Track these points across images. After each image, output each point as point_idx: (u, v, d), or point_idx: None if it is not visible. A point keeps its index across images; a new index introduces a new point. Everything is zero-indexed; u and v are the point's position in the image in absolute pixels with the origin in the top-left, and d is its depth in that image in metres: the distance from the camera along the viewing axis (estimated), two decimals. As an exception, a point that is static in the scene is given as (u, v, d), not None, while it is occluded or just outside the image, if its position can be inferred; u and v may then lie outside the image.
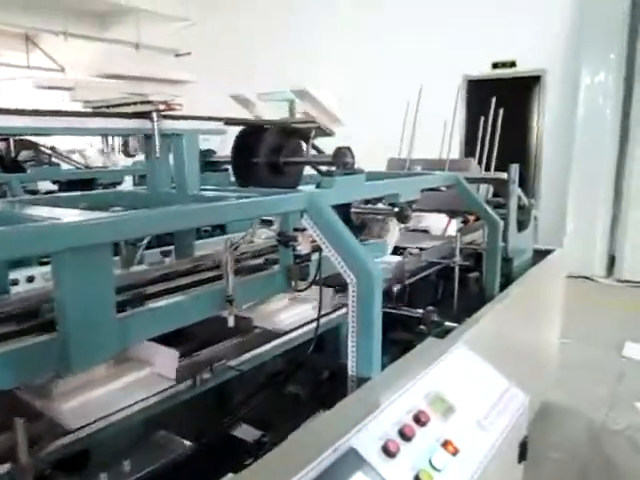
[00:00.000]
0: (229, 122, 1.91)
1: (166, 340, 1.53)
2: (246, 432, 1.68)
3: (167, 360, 1.48)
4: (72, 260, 1.12)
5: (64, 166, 4.31)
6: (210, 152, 2.50)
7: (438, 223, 3.77)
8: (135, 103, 1.61)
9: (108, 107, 1.68)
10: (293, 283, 1.82)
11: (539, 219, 3.97)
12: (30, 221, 1.15)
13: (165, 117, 1.61)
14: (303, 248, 1.71)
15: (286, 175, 2.00)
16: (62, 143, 5.05)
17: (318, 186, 1.77)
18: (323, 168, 2.11)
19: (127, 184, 4.26)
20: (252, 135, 1.98)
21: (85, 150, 5.33)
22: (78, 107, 1.74)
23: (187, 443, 1.33)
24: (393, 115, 4.42)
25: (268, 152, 1.93)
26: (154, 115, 1.55)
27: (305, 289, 1.83)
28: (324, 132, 2.07)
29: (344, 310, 1.84)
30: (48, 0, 9.59)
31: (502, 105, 3.59)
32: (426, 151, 3.56)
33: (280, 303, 1.94)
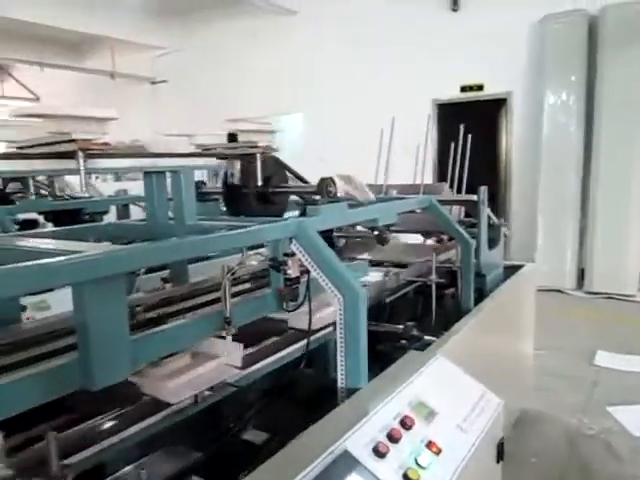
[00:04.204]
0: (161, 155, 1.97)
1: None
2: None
3: (234, 352, 1.71)
4: (93, 289, 1.25)
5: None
6: (200, 183, 2.65)
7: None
8: (60, 142, 1.57)
9: (32, 147, 1.64)
10: (284, 304, 1.97)
11: (511, 236, 4.15)
12: (52, 254, 1.26)
13: (91, 156, 1.61)
14: (292, 272, 1.85)
15: (274, 203, 2.16)
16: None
17: (304, 213, 1.93)
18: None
19: (112, 213, 4.36)
20: (242, 168, 2.14)
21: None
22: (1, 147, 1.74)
23: (197, 454, 1.45)
24: (367, 142, 4.59)
25: (257, 184, 2.08)
26: (79, 154, 1.55)
27: (295, 309, 1.98)
28: (270, 149, 2.21)
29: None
30: (23, 30, 9.64)
31: (471, 127, 3.78)
32: (401, 175, 3.73)
33: (306, 307, 2.04)
